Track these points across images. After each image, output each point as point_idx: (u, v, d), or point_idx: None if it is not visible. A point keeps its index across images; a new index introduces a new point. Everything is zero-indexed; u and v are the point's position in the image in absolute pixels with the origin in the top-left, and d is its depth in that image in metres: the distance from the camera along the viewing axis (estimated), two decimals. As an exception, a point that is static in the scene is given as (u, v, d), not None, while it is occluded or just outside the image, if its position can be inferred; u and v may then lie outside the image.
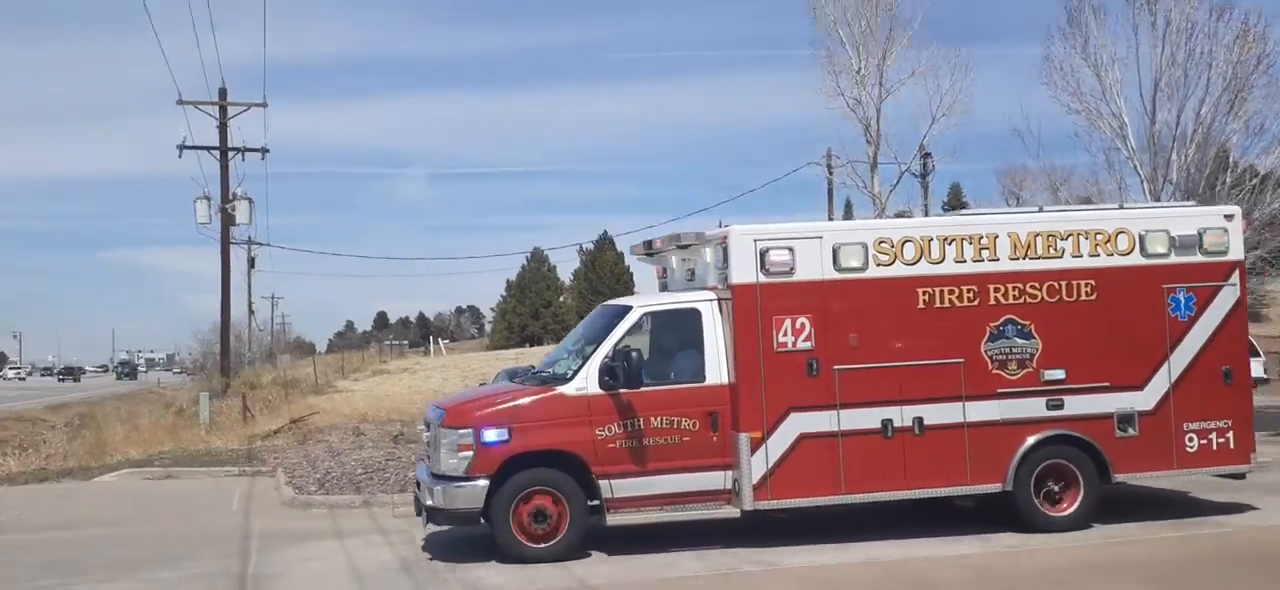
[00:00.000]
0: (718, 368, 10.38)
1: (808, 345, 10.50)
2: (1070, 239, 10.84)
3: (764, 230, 10.58)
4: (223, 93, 33.55)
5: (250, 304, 58.20)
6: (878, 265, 10.65)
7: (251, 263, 51.66)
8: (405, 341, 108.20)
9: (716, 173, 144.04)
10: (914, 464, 10.53)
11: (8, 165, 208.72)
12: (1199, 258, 11.05)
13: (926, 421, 10.52)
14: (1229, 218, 11.26)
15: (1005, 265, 10.75)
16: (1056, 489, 10.82)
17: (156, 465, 19.37)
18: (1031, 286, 10.75)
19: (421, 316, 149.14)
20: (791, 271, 10.53)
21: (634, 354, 10.39)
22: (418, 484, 10.80)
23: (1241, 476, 11.23)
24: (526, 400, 10.50)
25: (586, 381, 10.37)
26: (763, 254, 10.48)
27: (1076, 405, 10.76)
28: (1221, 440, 10.92)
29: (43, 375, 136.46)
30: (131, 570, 10.67)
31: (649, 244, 11.35)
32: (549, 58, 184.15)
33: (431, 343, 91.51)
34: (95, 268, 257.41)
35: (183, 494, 16.49)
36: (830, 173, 32.48)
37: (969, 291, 10.69)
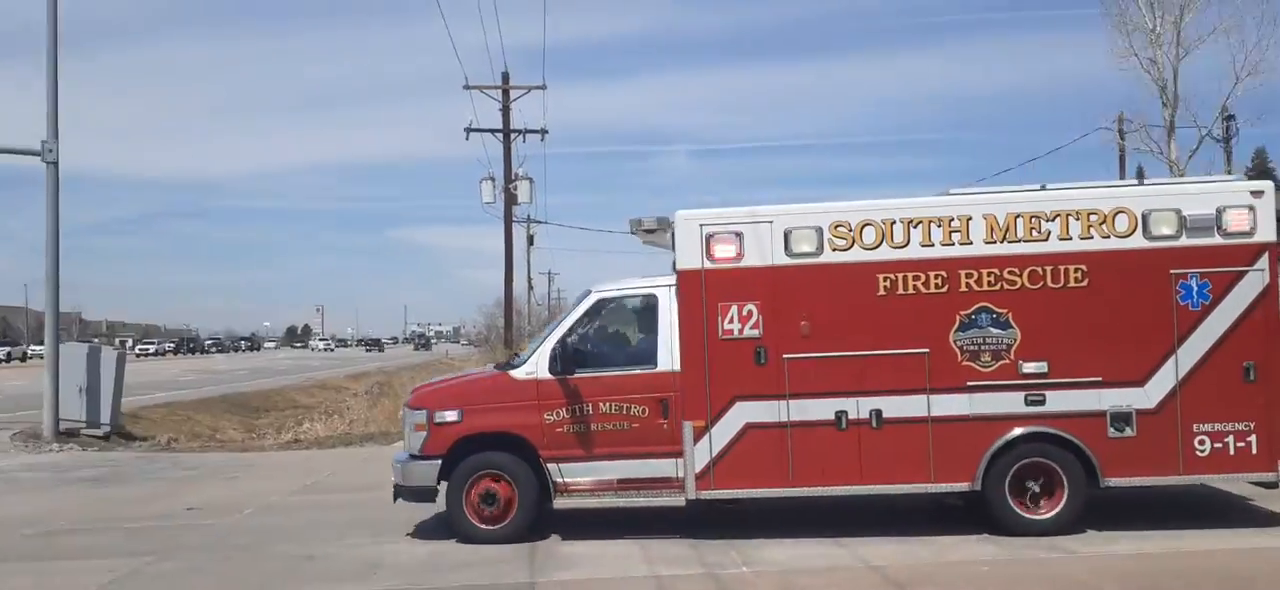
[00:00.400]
0: (670, 355, 10.17)
1: (755, 333, 10.10)
2: (1057, 220, 9.82)
3: (711, 215, 10.24)
4: (505, 77, 35.03)
5: (529, 279, 60.55)
6: (834, 250, 10.09)
7: (530, 240, 53.74)
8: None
9: (996, 140, 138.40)
10: (870, 458, 9.91)
11: (310, 152, 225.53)
12: (1218, 240, 9.72)
13: (885, 414, 9.90)
14: (1257, 194, 9.80)
15: (980, 249, 9.89)
16: (1038, 490, 9.89)
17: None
18: (1010, 272, 9.89)
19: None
20: (739, 257, 10.16)
21: (583, 339, 10.39)
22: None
23: (1273, 486, 9.74)
24: (479, 383, 10.80)
25: (536, 366, 10.41)
26: (708, 239, 10.19)
27: (1060, 401, 9.77)
28: (1241, 444, 9.60)
29: (341, 347, 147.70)
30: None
31: (636, 222, 10.64)
32: (819, 28, 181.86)
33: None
34: (387, 246, 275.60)
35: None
36: (1121, 138, 30.66)
37: (937, 278, 9.95)
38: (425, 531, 11.09)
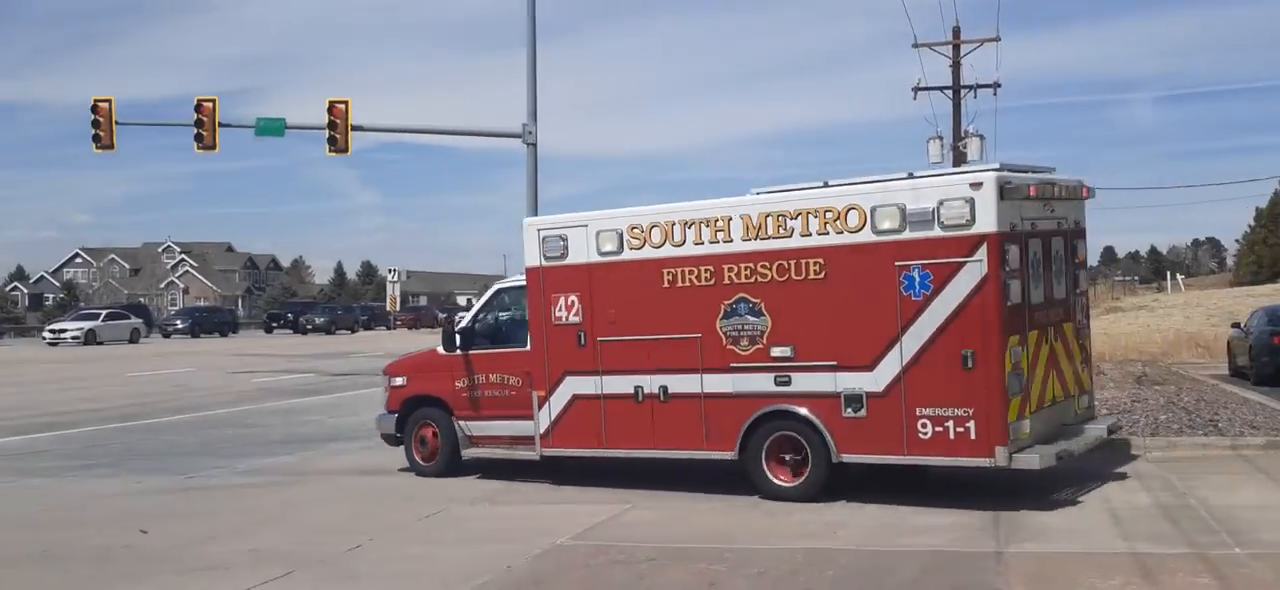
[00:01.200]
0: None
1: (577, 319, 11.90)
2: (800, 218, 10.65)
3: (546, 221, 12.28)
4: (956, 32, 33.97)
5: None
6: (630, 249, 11.59)
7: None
8: (1135, 277, 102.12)
9: None
10: (661, 427, 11.43)
11: (753, 122, 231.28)
12: (938, 232, 9.94)
13: (670, 390, 11.39)
14: (975, 186, 9.78)
15: (738, 246, 11.02)
16: (794, 461, 10.95)
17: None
18: (762, 266, 10.90)
19: (1152, 250, 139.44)
20: (564, 255, 11.95)
21: (482, 323, 13.15)
22: None
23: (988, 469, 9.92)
24: (422, 358, 13.75)
25: (451, 345, 13.19)
26: (543, 240, 12.04)
27: (803, 383, 10.76)
28: (960, 430, 9.90)
29: None
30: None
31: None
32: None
33: (1168, 278, 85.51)
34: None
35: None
36: None
37: (706, 272, 11.20)
38: (877, 495, 10.97)
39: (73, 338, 55.74)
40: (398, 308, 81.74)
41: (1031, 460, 9.86)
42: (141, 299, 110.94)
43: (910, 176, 10.40)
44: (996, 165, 10.11)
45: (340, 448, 16.49)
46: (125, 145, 24.83)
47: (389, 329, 77.64)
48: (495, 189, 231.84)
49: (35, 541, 10.42)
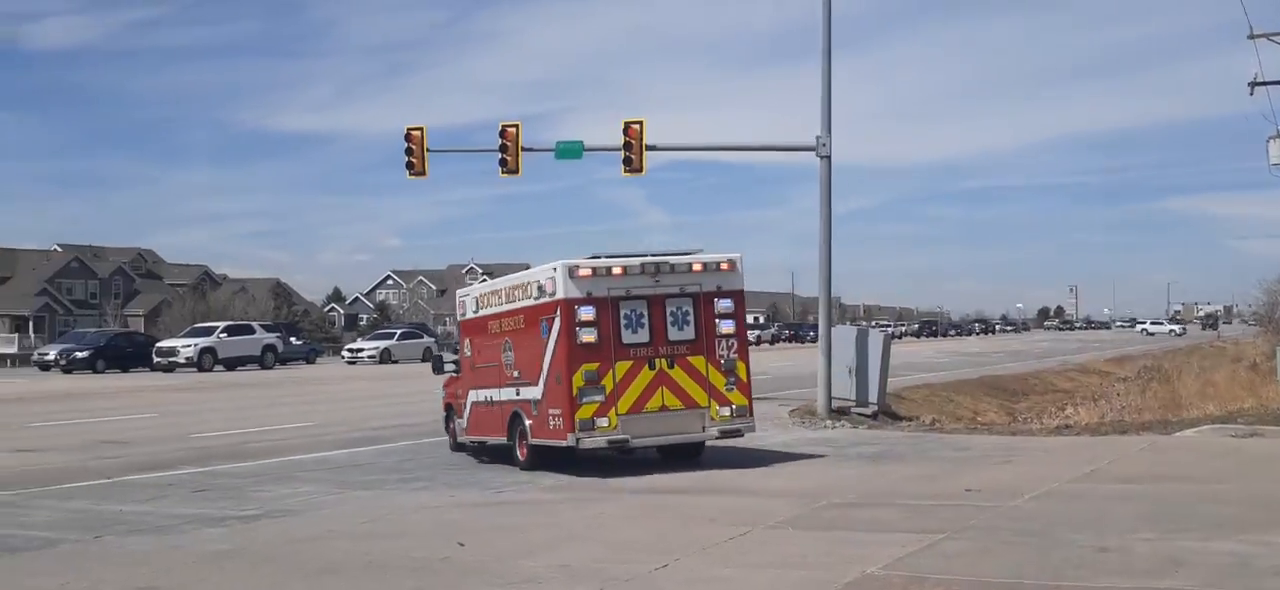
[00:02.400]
0: None
1: (469, 355, 18.53)
2: (518, 289, 16.99)
3: (464, 291, 19.35)
4: (1293, 16, 31.20)
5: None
6: (480, 310, 18.23)
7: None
8: None
9: None
10: (492, 422, 17.61)
11: (1061, 123, 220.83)
12: (547, 299, 16.01)
13: (492, 399, 17.48)
14: (556, 268, 15.91)
15: (503, 307, 17.35)
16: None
17: (1239, 423, 18.76)
18: (508, 320, 17.08)
19: None
20: (464, 313, 18.74)
21: (445, 352, 20.86)
22: None
23: (573, 448, 15.72)
24: (449, 378, 20.10)
25: (437, 369, 20.77)
26: (461, 302, 19.12)
27: (524, 393, 16.55)
28: (557, 422, 15.81)
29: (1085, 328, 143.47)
30: (1235, 530, 10.35)
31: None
32: None
33: None
34: (1151, 218, 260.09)
35: (1272, 455, 15.70)
36: None
37: (495, 324, 17.46)
38: (1229, 529, 10.07)
39: (369, 357, 59.47)
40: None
41: (594, 442, 15.45)
42: (448, 318, 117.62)
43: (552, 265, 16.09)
44: (587, 257, 15.83)
45: (642, 466, 16.73)
46: (433, 171, 26.56)
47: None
48: (783, 203, 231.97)
49: (360, 551, 11.06)
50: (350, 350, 61.95)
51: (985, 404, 34.75)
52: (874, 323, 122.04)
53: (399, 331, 64.80)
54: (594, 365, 15.36)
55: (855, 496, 13.52)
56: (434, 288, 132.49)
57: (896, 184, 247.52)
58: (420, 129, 27.89)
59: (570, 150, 26.72)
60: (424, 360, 59.47)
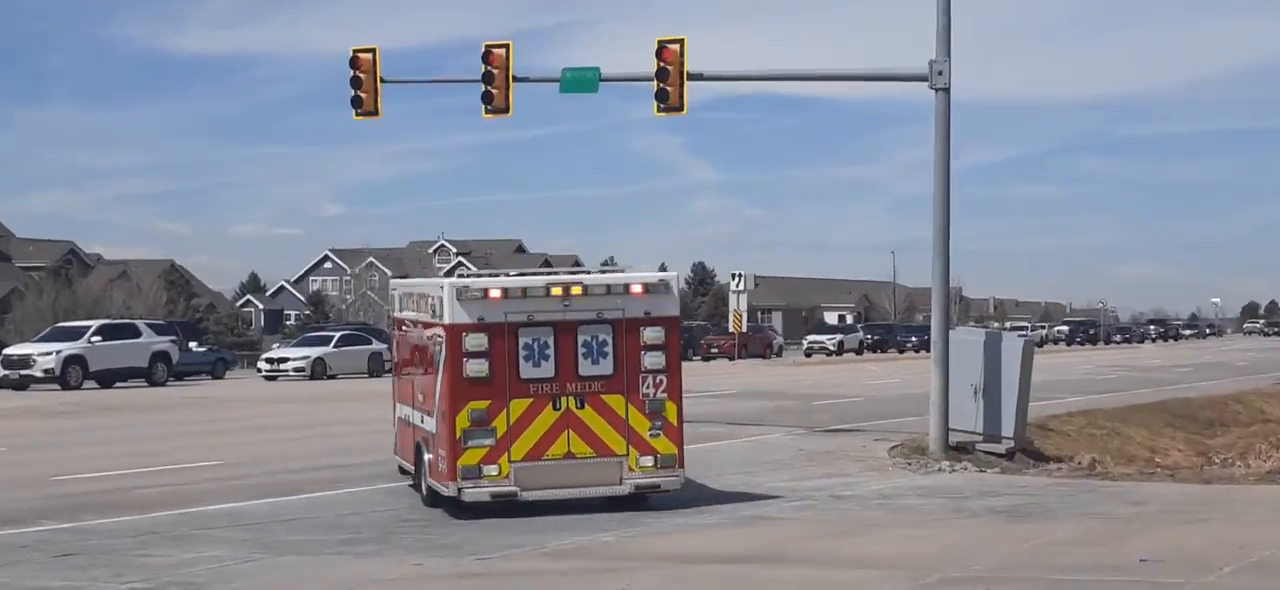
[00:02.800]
0: None
1: (398, 358, 21.97)
2: (418, 299, 19.77)
3: (402, 283, 22.83)
4: None
5: None
6: (403, 310, 20.94)
7: None
8: None
9: None
10: (407, 445, 20.23)
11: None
12: (435, 319, 18.29)
13: (409, 420, 20.03)
14: (442, 289, 18.01)
15: (415, 315, 19.93)
16: None
17: None
18: (413, 334, 19.96)
19: None
20: (395, 308, 21.79)
21: None
22: None
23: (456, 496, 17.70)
24: None
25: None
26: (394, 294, 22.33)
27: (426, 423, 18.87)
28: (443, 466, 17.87)
29: None
30: None
31: None
32: None
33: None
34: None
35: None
36: None
37: (412, 332, 20.09)
38: None
39: (296, 370, 59.51)
40: (742, 326, 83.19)
41: (477, 495, 17.16)
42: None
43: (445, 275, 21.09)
44: (480, 276, 19.35)
45: (672, 520, 16.73)
46: (390, 110, 26.50)
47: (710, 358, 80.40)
48: (879, 157, 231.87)
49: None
50: (269, 360, 62.14)
51: (1166, 439, 34.46)
52: (1007, 324, 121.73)
53: (338, 335, 64.84)
54: (484, 403, 17.04)
55: (983, 569, 13.44)
56: (390, 273, 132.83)
57: (1038, 129, 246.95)
58: (371, 51, 27.97)
59: (581, 81, 26.74)
60: (374, 374, 59.75)
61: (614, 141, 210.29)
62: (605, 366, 17.39)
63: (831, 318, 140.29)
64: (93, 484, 21.98)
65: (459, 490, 17.15)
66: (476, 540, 15.86)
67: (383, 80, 27.85)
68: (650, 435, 17.38)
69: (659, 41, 25.96)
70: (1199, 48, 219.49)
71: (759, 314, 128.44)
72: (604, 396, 17.36)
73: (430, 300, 18.24)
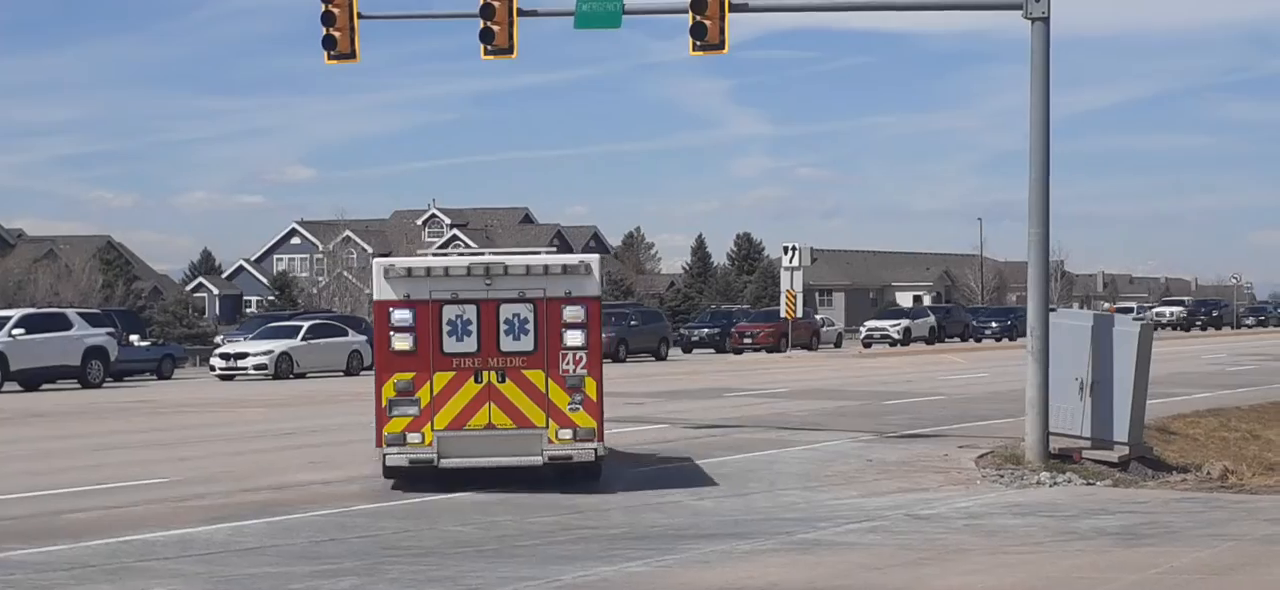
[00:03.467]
0: None
1: None
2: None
3: (384, 265, 22.90)
4: None
5: None
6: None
7: None
8: None
9: None
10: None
11: None
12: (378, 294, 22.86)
13: None
14: (378, 268, 22.63)
15: None
16: None
17: None
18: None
19: None
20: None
21: None
22: None
23: None
24: None
25: None
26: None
27: None
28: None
29: None
30: None
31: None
32: None
33: None
34: None
35: None
36: None
37: None
38: None
39: (257, 367, 59.63)
40: (798, 310, 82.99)
41: (398, 460, 21.70)
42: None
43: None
44: (407, 259, 23.11)
45: (716, 546, 16.71)
46: (370, 52, 26.68)
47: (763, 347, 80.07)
48: (964, 103, 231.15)
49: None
50: (224, 356, 62.32)
51: (1315, 444, 34.31)
52: (1118, 304, 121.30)
53: (307, 325, 64.97)
54: (408, 375, 21.73)
55: None
56: (370, 249, 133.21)
57: (1157, 68, 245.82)
58: (346, -20, 27.93)
59: (601, 14, 26.72)
60: (352, 372, 59.87)
61: (641, 88, 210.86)
62: (526, 343, 21.76)
63: (906, 299, 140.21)
64: (16, 508, 22.05)
65: (383, 456, 21.89)
66: (479, 573, 15.88)
67: (360, 16, 27.89)
68: (570, 409, 21.68)
69: (695, -35, 25.87)
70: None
71: (817, 295, 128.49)
72: (525, 371, 21.70)
73: (373, 278, 22.59)
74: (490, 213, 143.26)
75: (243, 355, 61.03)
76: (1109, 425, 24.45)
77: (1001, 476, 22.99)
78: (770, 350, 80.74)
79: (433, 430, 21.60)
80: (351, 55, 27.94)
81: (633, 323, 76.34)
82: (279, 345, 60.97)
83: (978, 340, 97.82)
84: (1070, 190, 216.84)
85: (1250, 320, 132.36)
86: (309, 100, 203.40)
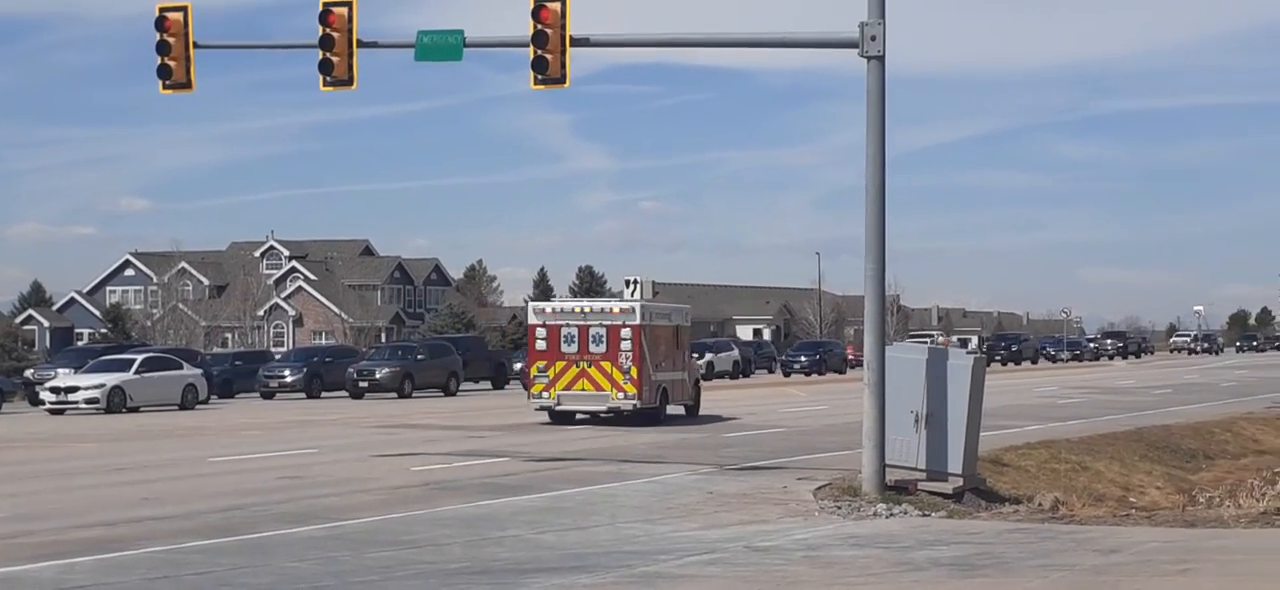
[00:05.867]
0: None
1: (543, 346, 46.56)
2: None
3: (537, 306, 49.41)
4: None
5: None
6: (551, 317, 46.05)
7: None
8: None
9: None
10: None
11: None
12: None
13: None
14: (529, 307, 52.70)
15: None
16: None
17: None
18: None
19: None
20: (542, 317, 46.15)
21: None
22: None
23: None
24: None
25: None
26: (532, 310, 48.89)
27: None
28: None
29: None
30: None
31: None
32: None
33: None
34: None
35: None
36: None
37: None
38: None
39: (88, 401, 58.57)
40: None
41: (539, 404, 44.30)
42: (227, 334, 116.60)
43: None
44: (545, 304, 51.30)
45: (555, 585, 16.71)
46: (206, 82, 26.32)
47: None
48: (804, 139, 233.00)
49: None
50: (54, 390, 61.23)
51: (1142, 474, 34.98)
52: (955, 336, 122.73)
53: (140, 358, 64.02)
54: (544, 363, 43.48)
55: None
56: (206, 282, 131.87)
57: (991, 108, 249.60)
58: (182, 9, 27.66)
59: (441, 47, 26.65)
60: (187, 406, 59.07)
61: (483, 121, 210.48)
62: (602, 348, 42.78)
63: (746, 332, 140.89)
64: None
65: (529, 400, 44.90)
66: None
67: (197, 45, 27.58)
68: (624, 382, 42.57)
69: (534, 0, 25.94)
70: (1163, 12, 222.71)
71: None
72: (601, 362, 42.78)
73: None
74: (330, 244, 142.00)
75: (73, 389, 59.94)
76: (944, 457, 24.71)
77: (839, 508, 23.14)
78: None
79: (555, 391, 43.40)
80: (187, 85, 27.62)
81: (419, 357, 74.13)
82: (111, 378, 59.86)
83: (786, 374, 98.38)
84: (906, 225, 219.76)
85: (1066, 355, 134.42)
86: (145, 130, 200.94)
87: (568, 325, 42.99)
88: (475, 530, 21.45)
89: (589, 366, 42.46)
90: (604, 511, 23.21)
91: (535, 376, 43.57)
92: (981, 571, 17.18)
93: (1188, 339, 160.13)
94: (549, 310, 45.34)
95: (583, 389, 42.93)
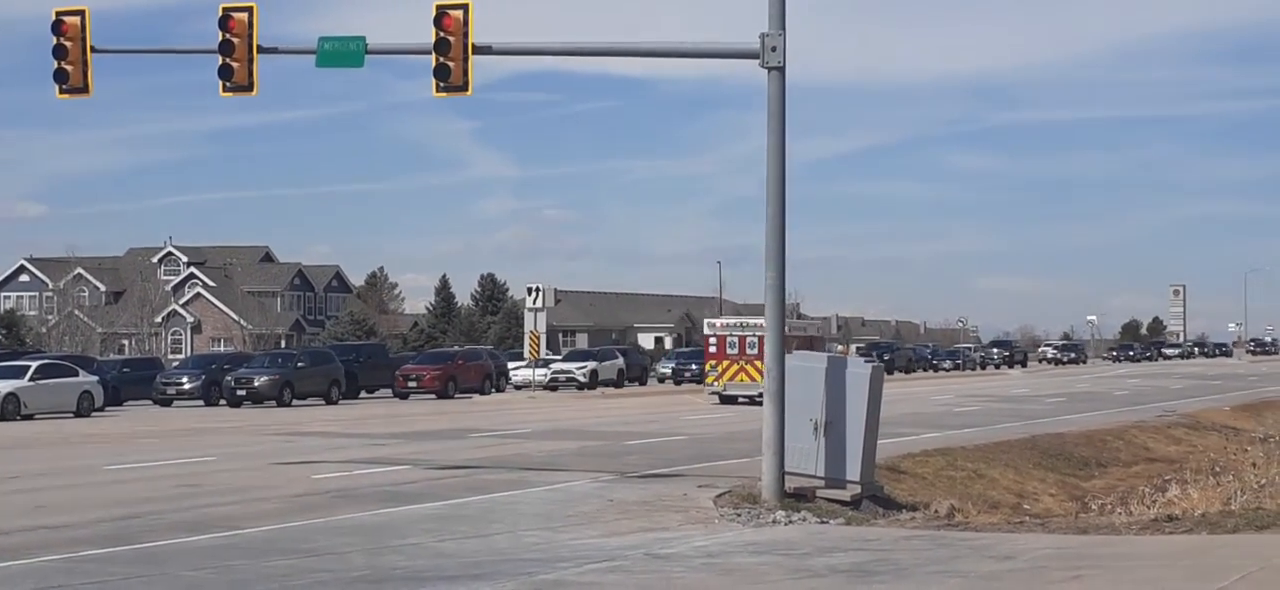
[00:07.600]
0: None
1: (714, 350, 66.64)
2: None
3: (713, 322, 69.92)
4: None
5: None
6: (722, 330, 67.15)
7: None
8: None
9: None
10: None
11: (1179, 14, 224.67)
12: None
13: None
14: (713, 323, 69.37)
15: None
16: None
17: None
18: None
19: None
20: (715, 328, 68.40)
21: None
22: None
23: None
24: None
25: None
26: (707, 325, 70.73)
27: None
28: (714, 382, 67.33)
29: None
30: None
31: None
32: None
33: None
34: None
35: None
36: None
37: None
38: None
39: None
40: (540, 350, 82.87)
41: (714, 391, 63.90)
42: (125, 340, 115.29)
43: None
44: (717, 319, 71.41)
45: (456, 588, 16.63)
46: (104, 86, 26.19)
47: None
48: (705, 150, 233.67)
49: None
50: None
51: (1036, 481, 35.31)
52: (854, 346, 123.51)
53: (35, 365, 63.17)
54: (716, 362, 63.46)
55: None
56: (103, 288, 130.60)
57: (887, 119, 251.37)
58: (80, 12, 27.40)
59: (343, 53, 26.53)
60: (83, 414, 58.36)
61: (385, 127, 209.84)
62: (754, 351, 56.69)
63: (648, 340, 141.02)
64: None
65: (708, 391, 64.64)
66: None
67: (94, 49, 27.31)
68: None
69: (438, 6, 25.91)
70: (1091, 20, 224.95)
71: (562, 336, 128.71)
72: (754, 362, 55.80)
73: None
74: (229, 250, 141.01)
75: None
76: (842, 465, 24.83)
77: (739, 515, 23.20)
78: (440, 395, 74.37)
79: (722, 382, 61.63)
80: (84, 89, 27.35)
81: (300, 364, 72.22)
82: (5, 385, 58.88)
83: (661, 381, 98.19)
84: (807, 234, 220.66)
85: (948, 364, 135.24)
86: (40, 134, 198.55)
87: (731, 335, 62.47)
88: (375, 538, 21.37)
89: (747, 364, 59.25)
90: (505, 519, 23.18)
91: (709, 371, 63.17)
92: (878, 578, 17.28)
93: (1053, 349, 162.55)
94: (719, 324, 66.09)
95: (742, 380, 60.08)
